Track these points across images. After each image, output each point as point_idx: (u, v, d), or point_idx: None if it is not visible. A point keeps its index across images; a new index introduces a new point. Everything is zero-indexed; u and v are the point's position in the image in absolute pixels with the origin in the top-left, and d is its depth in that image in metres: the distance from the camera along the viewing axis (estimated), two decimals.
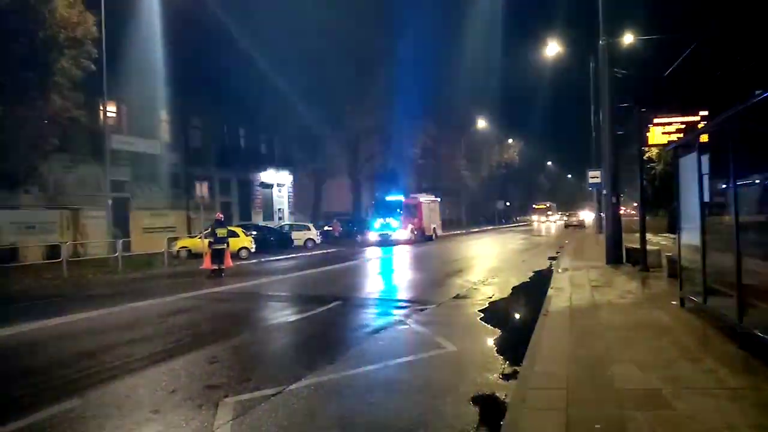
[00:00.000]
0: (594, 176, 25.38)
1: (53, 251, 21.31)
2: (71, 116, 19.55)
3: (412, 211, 35.66)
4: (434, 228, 38.45)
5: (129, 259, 21.63)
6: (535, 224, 71.16)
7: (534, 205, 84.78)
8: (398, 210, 34.38)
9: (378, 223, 34.34)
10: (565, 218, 64.80)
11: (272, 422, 5.01)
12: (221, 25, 30.33)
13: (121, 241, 21.75)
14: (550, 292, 11.43)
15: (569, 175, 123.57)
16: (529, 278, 15.28)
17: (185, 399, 5.65)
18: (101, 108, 23.91)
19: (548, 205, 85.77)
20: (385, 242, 33.15)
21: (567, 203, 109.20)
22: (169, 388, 6.02)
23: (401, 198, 36.29)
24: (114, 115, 28.53)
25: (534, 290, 12.71)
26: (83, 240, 24.42)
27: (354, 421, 5.04)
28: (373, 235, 34.12)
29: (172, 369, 6.85)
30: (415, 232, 34.81)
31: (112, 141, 25.08)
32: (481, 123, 64.40)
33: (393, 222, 33.96)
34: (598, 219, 34.52)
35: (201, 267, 19.18)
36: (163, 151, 31.55)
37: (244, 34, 31.37)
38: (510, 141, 79.73)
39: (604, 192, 17.56)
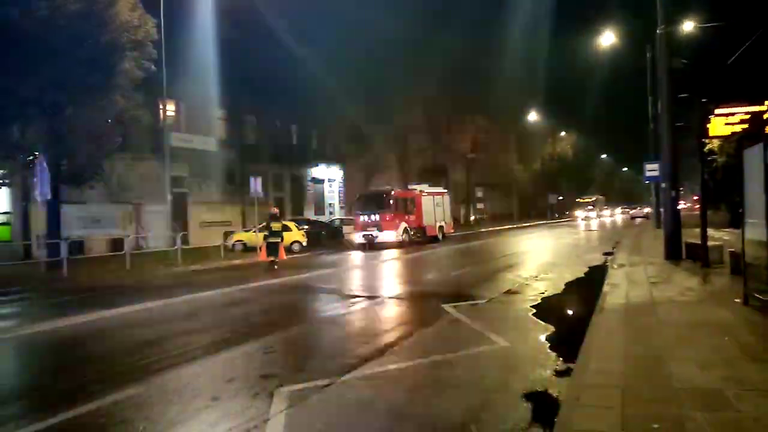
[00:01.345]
0: (652, 169, 24.46)
1: (116, 244, 22.42)
2: (133, 115, 20.42)
3: (408, 206, 29.03)
4: (441, 227, 31.81)
5: (187, 252, 22.47)
6: (578, 219, 65.32)
7: (578, 199, 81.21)
8: (389, 205, 27.54)
9: (361, 222, 28.02)
10: (629, 212, 72.16)
11: (325, 412, 5.14)
12: (273, 24, 30.92)
13: (180, 234, 22.60)
14: (605, 288, 11.14)
15: (624, 168, 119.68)
16: (584, 274, 14.93)
17: (242, 387, 5.84)
18: (161, 107, 24.89)
19: (594, 198, 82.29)
20: (369, 245, 27.10)
21: (623, 197, 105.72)
22: (226, 377, 6.24)
23: (392, 191, 29.32)
24: (173, 113, 29.59)
25: (588, 286, 12.42)
26: (144, 233, 25.51)
27: (405, 414, 5.07)
28: (357, 237, 28.15)
29: (229, 358, 7.10)
30: (411, 232, 28.57)
31: (171, 138, 26.11)
32: (533, 116, 63.04)
33: (379, 220, 27.28)
34: (656, 213, 33.29)
35: (256, 259, 19.70)
36: (219, 147, 32.52)
37: (295, 33, 31.88)
38: (563, 134, 77.76)
39: (663, 185, 16.91)
